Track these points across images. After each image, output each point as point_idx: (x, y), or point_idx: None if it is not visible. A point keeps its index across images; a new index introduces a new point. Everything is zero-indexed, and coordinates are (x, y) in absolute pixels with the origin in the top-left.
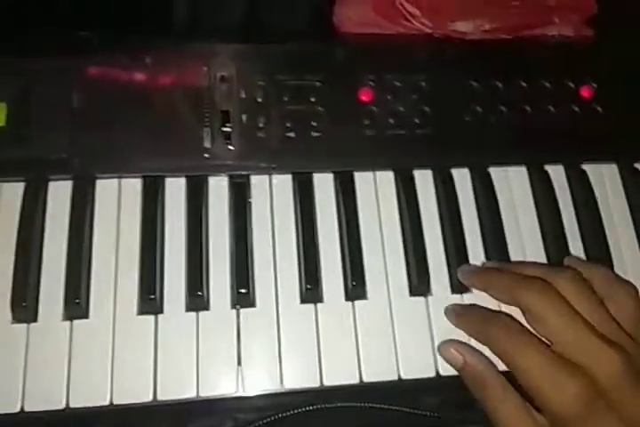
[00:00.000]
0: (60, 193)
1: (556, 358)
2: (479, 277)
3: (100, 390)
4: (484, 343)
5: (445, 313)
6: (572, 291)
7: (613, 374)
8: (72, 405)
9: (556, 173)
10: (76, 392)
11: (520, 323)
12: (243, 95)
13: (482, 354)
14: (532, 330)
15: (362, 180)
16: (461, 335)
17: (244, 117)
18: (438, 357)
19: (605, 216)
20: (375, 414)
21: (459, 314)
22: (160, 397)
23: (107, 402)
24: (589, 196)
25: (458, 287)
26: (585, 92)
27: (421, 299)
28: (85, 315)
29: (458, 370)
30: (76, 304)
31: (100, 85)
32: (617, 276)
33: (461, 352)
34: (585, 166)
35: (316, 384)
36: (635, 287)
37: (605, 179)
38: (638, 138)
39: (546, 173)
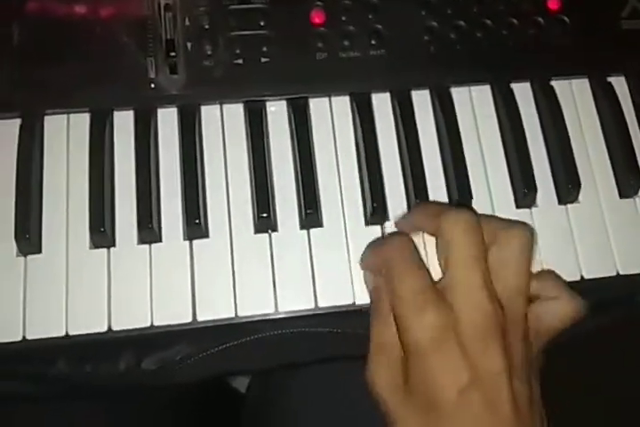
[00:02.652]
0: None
1: (430, 289)
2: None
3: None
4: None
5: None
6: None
7: (475, 324)
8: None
9: (523, 90)
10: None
11: (416, 248)
12: (187, 22)
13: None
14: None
15: (316, 106)
16: None
17: (189, 45)
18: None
19: (575, 135)
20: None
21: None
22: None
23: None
24: (557, 113)
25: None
26: (552, 3)
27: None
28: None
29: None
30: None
31: (41, 18)
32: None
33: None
34: (554, 82)
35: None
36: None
37: (576, 95)
38: (610, 50)
39: (511, 90)
